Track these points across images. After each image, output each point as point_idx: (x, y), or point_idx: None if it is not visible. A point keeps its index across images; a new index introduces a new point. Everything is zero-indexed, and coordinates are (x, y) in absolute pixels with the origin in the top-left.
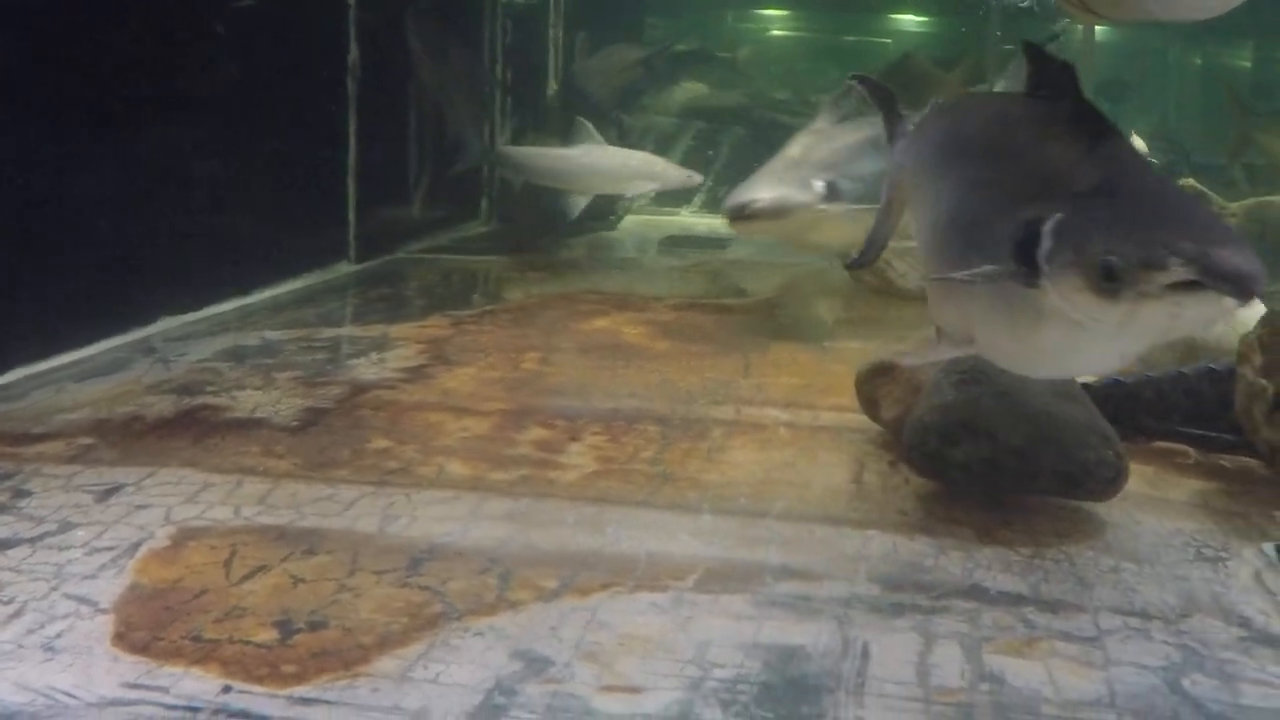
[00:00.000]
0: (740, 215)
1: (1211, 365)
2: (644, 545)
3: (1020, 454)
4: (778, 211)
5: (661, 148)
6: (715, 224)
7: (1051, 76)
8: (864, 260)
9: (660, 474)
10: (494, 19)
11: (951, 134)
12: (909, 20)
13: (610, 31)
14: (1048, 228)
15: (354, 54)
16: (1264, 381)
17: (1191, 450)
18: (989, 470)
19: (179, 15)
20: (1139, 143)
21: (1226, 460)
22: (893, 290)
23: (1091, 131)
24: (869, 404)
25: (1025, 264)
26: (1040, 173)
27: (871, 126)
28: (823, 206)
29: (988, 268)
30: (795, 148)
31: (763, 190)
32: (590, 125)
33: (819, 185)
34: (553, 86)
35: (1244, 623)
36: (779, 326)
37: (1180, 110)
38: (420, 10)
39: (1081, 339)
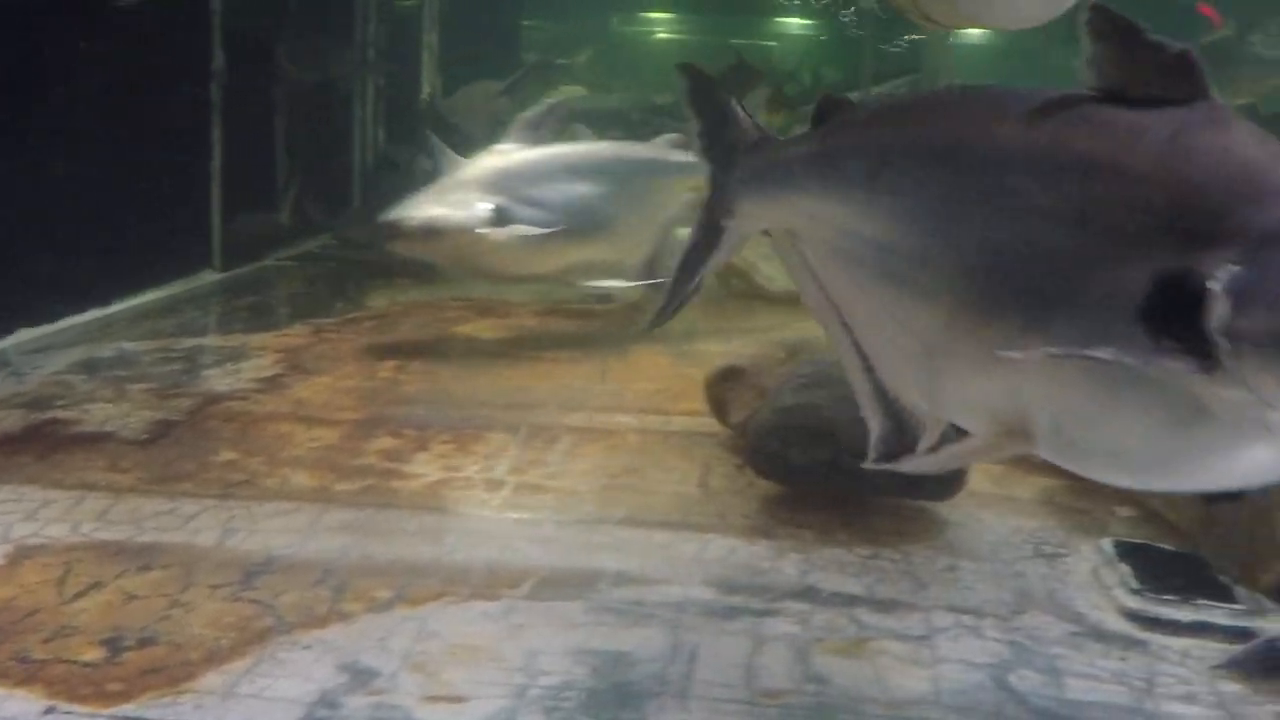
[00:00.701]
0: (392, 234)
1: None
2: (482, 554)
3: (860, 456)
4: (428, 233)
5: None
6: None
7: (1162, 68)
8: (662, 317)
9: (504, 482)
10: (365, 24)
11: (952, 144)
12: (794, 24)
13: (485, 35)
14: (1219, 285)
15: (218, 60)
16: None
17: None
18: (830, 472)
19: (38, 21)
20: None
21: None
22: (760, 294)
23: (1255, 148)
24: (718, 408)
25: (1173, 336)
26: (1177, 204)
27: (572, 148)
28: (485, 231)
29: (1105, 348)
30: (473, 166)
31: (419, 209)
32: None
33: (484, 207)
34: (426, 91)
35: (1076, 618)
36: (641, 331)
37: None
38: (292, 34)
39: (1262, 444)
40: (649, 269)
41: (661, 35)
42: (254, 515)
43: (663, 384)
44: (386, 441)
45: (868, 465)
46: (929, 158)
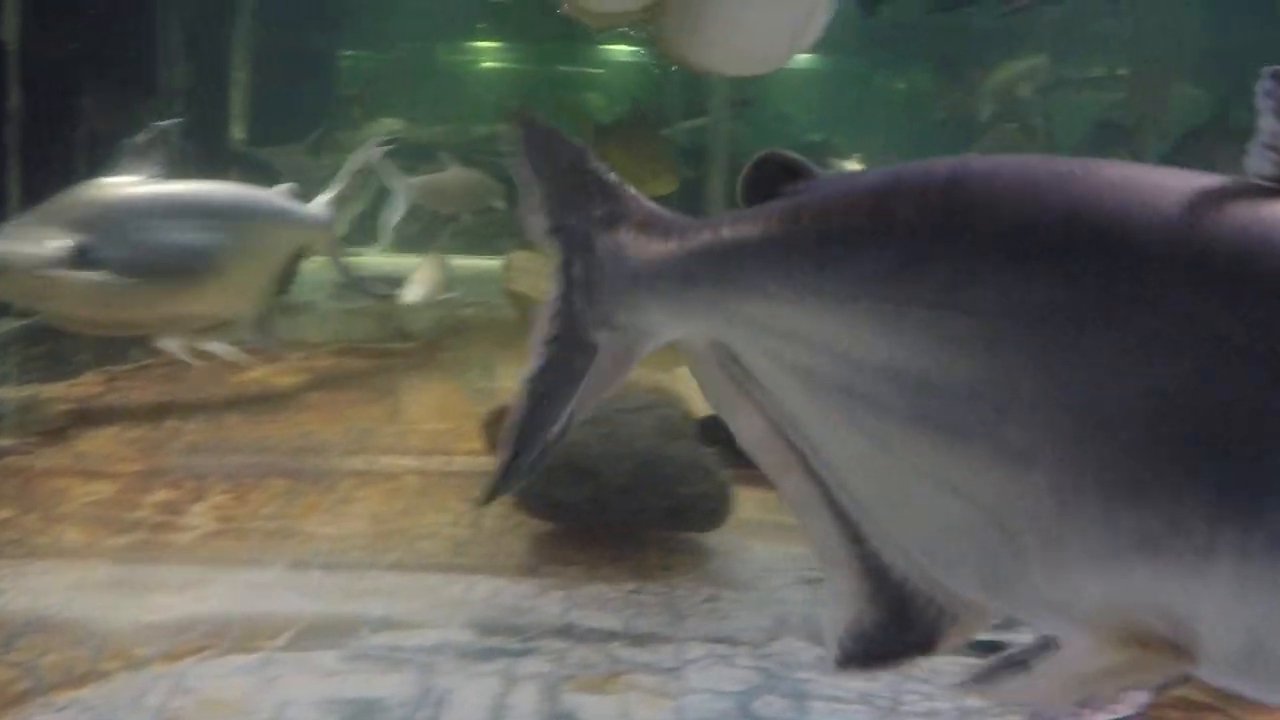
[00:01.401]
0: None
1: None
2: (247, 606)
3: (624, 491)
4: None
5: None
6: (402, 263)
7: None
8: (501, 489)
9: (277, 531)
10: (170, 63)
11: (1061, 241)
12: (621, 50)
13: (301, 69)
14: None
15: (14, 99)
16: None
17: None
18: (597, 509)
19: None
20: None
21: None
22: None
23: None
24: (494, 447)
25: None
26: None
27: (183, 185)
28: (57, 272)
29: None
30: (65, 198)
31: None
32: None
33: (58, 245)
34: (239, 132)
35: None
36: (438, 369)
37: (890, 133)
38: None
39: None
40: (260, 328)
41: (487, 64)
42: (23, 574)
43: (453, 423)
44: (164, 493)
45: (834, 667)
46: (1020, 258)
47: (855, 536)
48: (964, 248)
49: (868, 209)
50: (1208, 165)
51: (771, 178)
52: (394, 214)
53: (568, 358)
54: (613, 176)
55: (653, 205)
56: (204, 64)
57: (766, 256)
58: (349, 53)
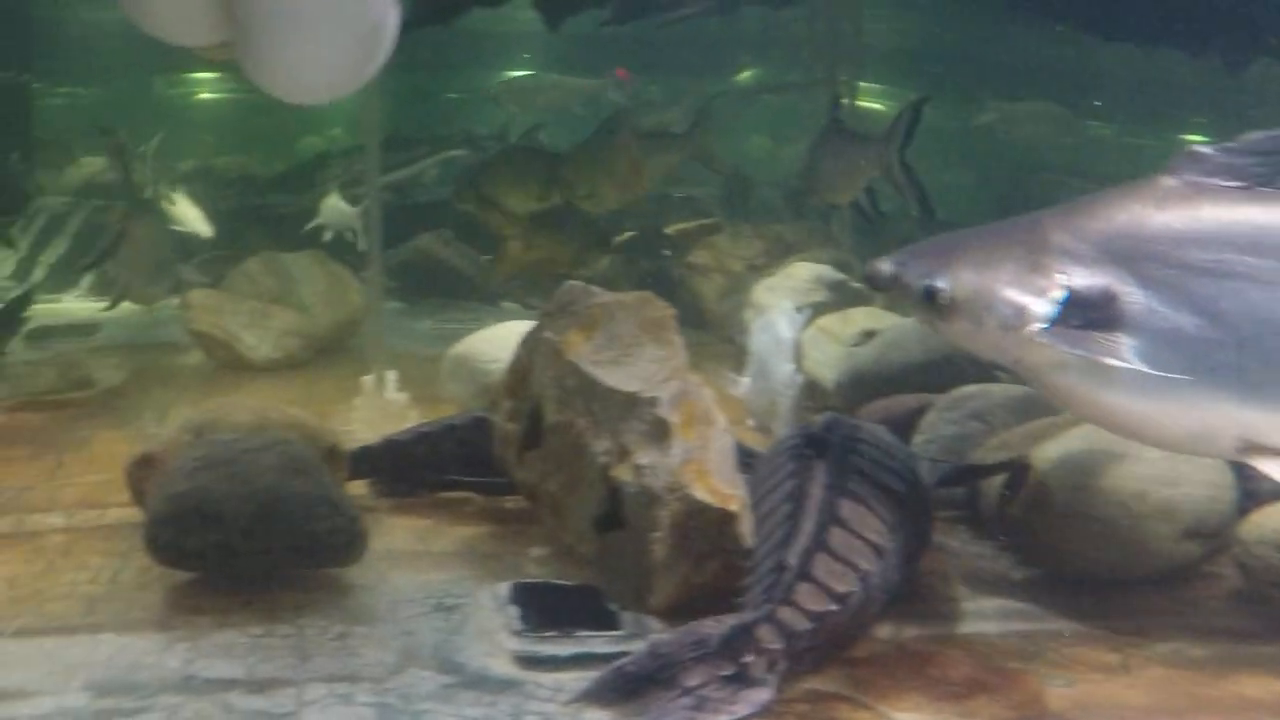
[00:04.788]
0: None
1: (479, 414)
2: None
3: (249, 533)
4: None
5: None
6: (97, 309)
7: None
8: None
9: None
10: None
11: None
12: None
13: None
14: None
15: None
16: (512, 425)
17: (477, 497)
18: (224, 554)
19: None
20: None
21: (510, 503)
22: (244, 364)
23: None
24: (138, 497)
25: None
26: None
27: None
28: None
29: None
30: None
31: None
32: None
33: None
34: None
35: (456, 669)
36: (113, 417)
37: None
38: None
39: None
40: None
41: (206, 95)
42: None
43: (113, 474)
44: None
45: None
46: None
47: None
48: None
49: None
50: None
51: None
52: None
53: None
54: None
55: None
56: None
57: None
58: (61, 90)
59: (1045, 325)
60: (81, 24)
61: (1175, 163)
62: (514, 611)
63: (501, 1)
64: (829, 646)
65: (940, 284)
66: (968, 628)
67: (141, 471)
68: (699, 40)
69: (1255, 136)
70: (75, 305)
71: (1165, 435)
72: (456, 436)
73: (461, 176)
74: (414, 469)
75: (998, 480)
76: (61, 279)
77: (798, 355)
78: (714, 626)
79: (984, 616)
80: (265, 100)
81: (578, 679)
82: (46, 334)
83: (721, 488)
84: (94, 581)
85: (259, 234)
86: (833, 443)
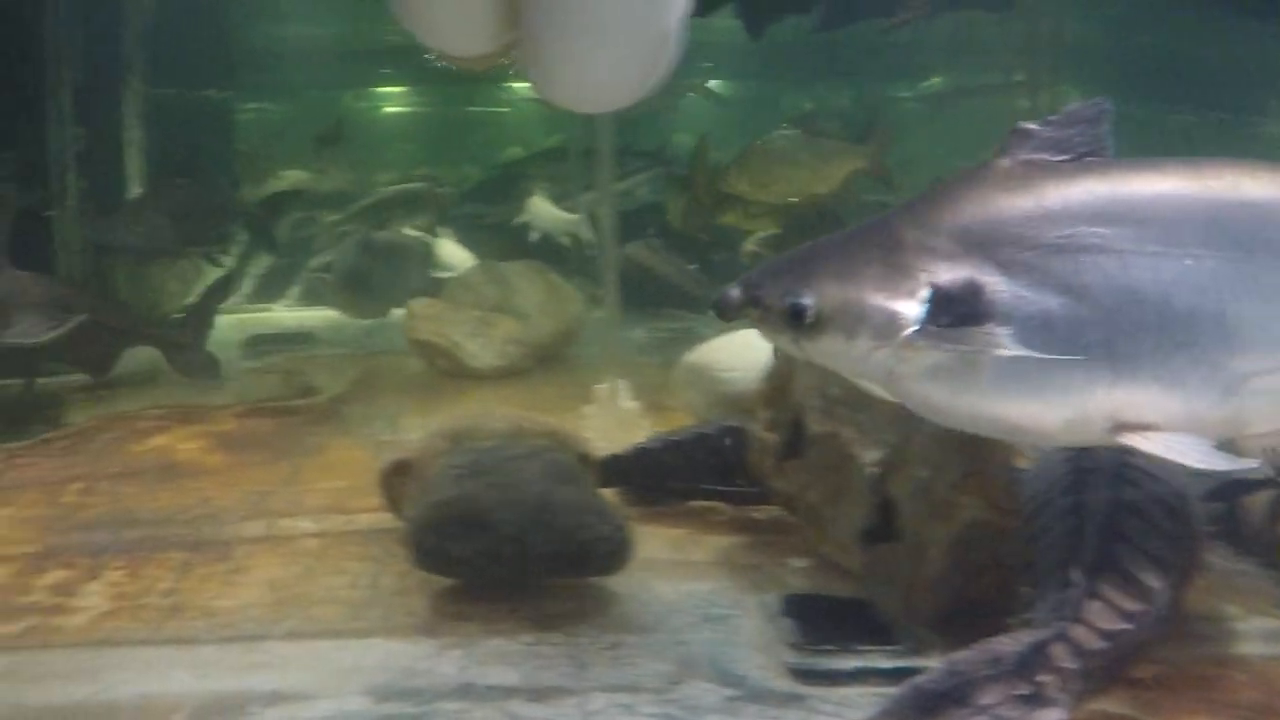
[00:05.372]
0: None
1: (730, 423)
2: (135, 688)
3: (517, 541)
4: None
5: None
6: (306, 318)
7: None
8: None
9: (171, 606)
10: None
11: None
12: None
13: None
14: None
15: None
16: (770, 435)
17: (725, 507)
18: (490, 561)
19: None
20: None
21: (759, 513)
22: (465, 372)
23: None
24: (393, 503)
25: None
26: None
27: None
28: None
29: None
30: None
31: None
32: None
33: None
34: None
35: (737, 681)
36: (341, 425)
37: None
38: None
39: None
40: None
41: (391, 109)
42: None
43: (354, 480)
44: (58, 574)
45: None
46: None
47: None
48: None
49: None
50: None
51: None
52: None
53: None
54: None
55: None
56: (95, 126)
57: None
58: (251, 105)
59: (917, 328)
60: (270, 39)
61: (1007, 142)
62: (787, 624)
63: (710, 11)
64: (1116, 667)
65: (805, 300)
66: (1246, 649)
67: (396, 478)
68: (888, 46)
69: (1074, 107)
70: (285, 314)
71: (1043, 428)
72: (708, 445)
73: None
74: (664, 477)
75: (1262, 496)
76: (272, 289)
77: None
78: (1009, 644)
79: (1260, 638)
80: (452, 113)
81: (860, 694)
82: (261, 342)
83: (1003, 502)
84: (354, 586)
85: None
86: (1107, 456)
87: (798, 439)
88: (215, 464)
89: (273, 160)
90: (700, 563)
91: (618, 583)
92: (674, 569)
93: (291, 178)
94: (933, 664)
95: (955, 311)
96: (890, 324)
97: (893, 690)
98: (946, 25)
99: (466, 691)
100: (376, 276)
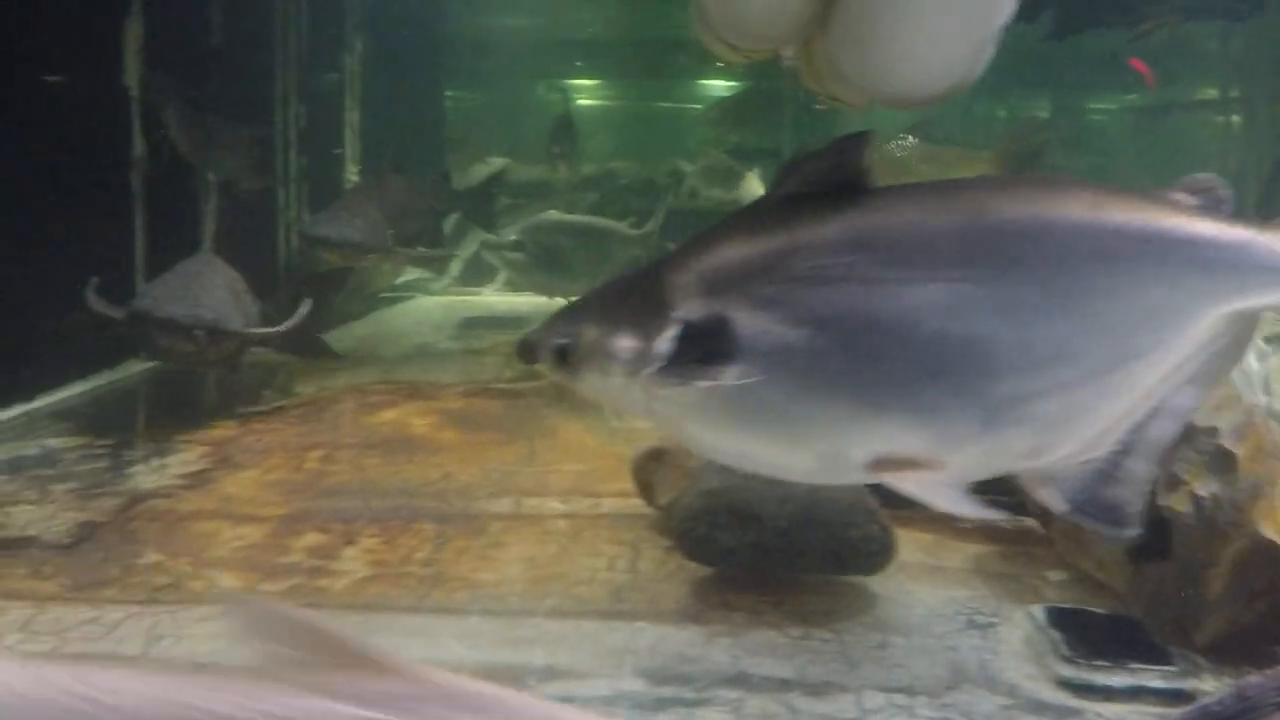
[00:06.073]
0: None
1: None
2: (408, 653)
3: (786, 535)
4: None
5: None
6: (517, 302)
7: None
8: None
9: (432, 576)
10: (286, 104)
11: None
12: (718, 85)
13: (409, 110)
14: None
15: (139, 148)
16: None
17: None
18: (757, 553)
19: None
20: None
21: (1005, 522)
22: None
23: None
24: (645, 489)
25: None
26: None
27: None
28: None
29: None
30: None
31: None
32: None
33: None
34: (352, 173)
35: (1010, 690)
36: (570, 408)
37: None
38: (189, 102)
39: None
40: None
41: (584, 102)
42: (179, 621)
43: (591, 464)
44: (313, 537)
45: None
46: None
47: None
48: None
49: None
50: None
51: None
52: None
53: None
54: None
55: None
56: (315, 106)
57: None
58: (451, 93)
59: (663, 365)
60: (480, 28)
61: (778, 177)
62: (1056, 636)
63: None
64: None
65: (566, 340)
66: None
67: (650, 464)
68: (1095, 56)
69: (841, 139)
70: (494, 298)
71: (798, 464)
72: None
73: None
74: None
75: None
76: (480, 273)
77: (1267, 387)
78: None
79: None
80: (635, 106)
81: (1135, 713)
82: (474, 324)
83: None
84: (612, 569)
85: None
86: None
87: None
88: (451, 440)
89: (479, 147)
90: (955, 569)
91: (876, 583)
92: (929, 573)
93: (497, 164)
94: (1208, 687)
95: (703, 347)
96: (639, 360)
97: (1170, 711)
98: (1160, 36)
99: (741, 680)
100: (570, 256)
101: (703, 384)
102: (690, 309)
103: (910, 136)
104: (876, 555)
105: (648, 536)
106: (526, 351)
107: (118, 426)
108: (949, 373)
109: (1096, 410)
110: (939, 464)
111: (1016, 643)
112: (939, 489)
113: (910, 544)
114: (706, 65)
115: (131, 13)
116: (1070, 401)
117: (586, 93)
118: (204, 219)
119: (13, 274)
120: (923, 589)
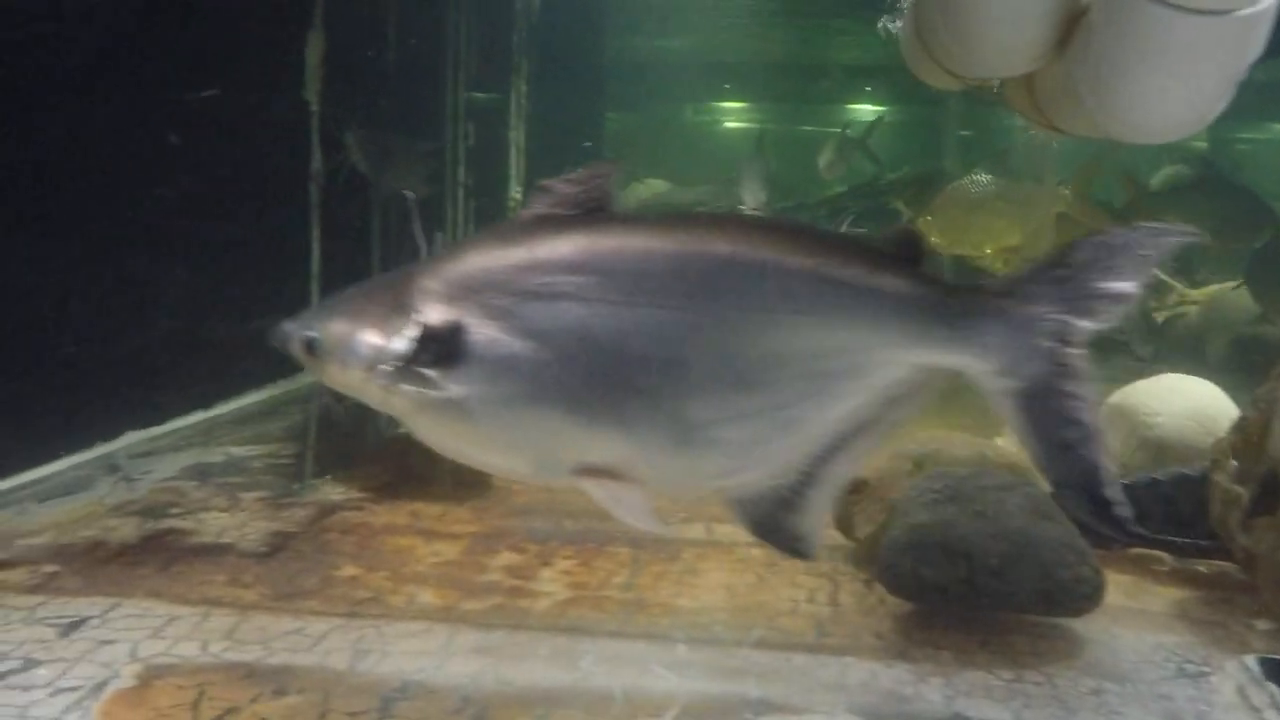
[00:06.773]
0: None
1: (1184, 471)
2: (619, 679)
3: (997, 574)
4: None
5: None
6: None
7: None
8: None
9: (633, 600)
10: (456, 121)
11: None
12: (865, 110)
13: (570, 130)
14: None
15: (317, 161)
16: (1239, 488)
17: (1166, 556)
18: (966, 591)
19: (137, 123)
20: None
21: (1203, 566)
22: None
23: None
24: (842, 521)
25: None
26: None
27: None
28: None
29: None
30: None
31: None
32: None
33: None
34: (516, 191)
35: None
36: None
37: None
38: (369, 122)
39: None
40: None
41: (730, 124)
42: (384, 636)
43: None
44: (509, 557)
45: None
46: None
47: None
48: None
49: None
50: None
51: None
52: None
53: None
54: None
55: None
56: (482, 123)
57: None
58: (610, 114)
59: (397, 364)
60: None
61: (531, 198)
62: (1275, 689)
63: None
64: None
65: (313, 333)
66: None
67: (849, 496)
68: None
69: (591, 166)
70: None
71: (520, 466)
72: (1158, 493)
73: None
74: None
75: None
76: None
77: None
78: None
79: None
80: (780, 130)
81: None
82: None
83: None
84: (813, 601)
85: None
86: None
87: (1271, 495)
88: None
89: (635, 169)
90: (1158, 614)
91: (1080, 625)
92: (1134, 617)
93: (654, 186)
94: None
95: (436, 351)
96: (375, 358)
97: None
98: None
99: None
100: None
101: (428, 389)
102: (430, 313)
103: (982, 173)
104: (1087, 598)
105: (844, 569)
106: (278, 340)
107: (298, 436)
108: (650, 392)
109: (779, 441)
110: (636, 476)
111: (1230, 693)
112: (630, 501)
113: (1110, 585)
114: (851, 90)
115: (314, 26)
116: (754, 430)
117: (734, 115)
118: (412, 236)
119: (192, 284)
120: (1128, 633)
